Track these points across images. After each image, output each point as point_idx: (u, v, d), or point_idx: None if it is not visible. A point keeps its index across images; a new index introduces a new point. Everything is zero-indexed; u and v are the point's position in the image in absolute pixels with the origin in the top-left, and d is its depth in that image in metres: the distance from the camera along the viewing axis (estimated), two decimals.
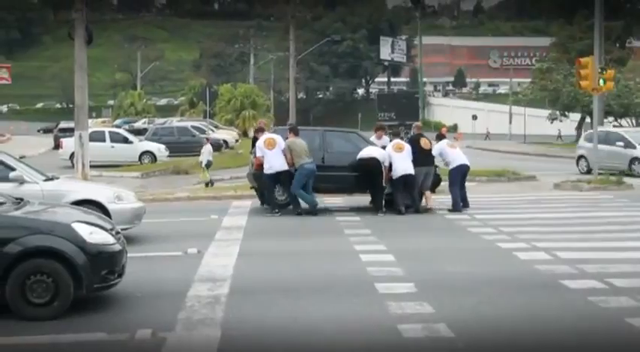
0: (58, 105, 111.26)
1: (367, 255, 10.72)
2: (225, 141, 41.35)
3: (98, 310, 7.84)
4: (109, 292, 8.11)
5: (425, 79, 78.29)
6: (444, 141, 16.93)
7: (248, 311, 7.86)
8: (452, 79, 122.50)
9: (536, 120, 65.53)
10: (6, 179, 11.51)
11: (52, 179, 12.58)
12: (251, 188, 17.67)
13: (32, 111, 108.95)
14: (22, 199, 8.46)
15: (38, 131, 71.15)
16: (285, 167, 15.45)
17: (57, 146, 37.82)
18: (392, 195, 15.90)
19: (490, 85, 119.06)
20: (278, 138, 15.76)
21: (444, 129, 22.32)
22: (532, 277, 9.42)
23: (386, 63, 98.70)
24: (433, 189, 16.86)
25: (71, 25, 24.21)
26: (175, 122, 48.95)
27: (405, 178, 15.73)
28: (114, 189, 12.86)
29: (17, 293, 7.38)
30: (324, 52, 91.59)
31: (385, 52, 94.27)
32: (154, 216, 14.25)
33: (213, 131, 43.37)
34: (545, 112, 58.79)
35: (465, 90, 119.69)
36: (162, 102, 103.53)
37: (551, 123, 57.57)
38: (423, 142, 16.36)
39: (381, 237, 12.31)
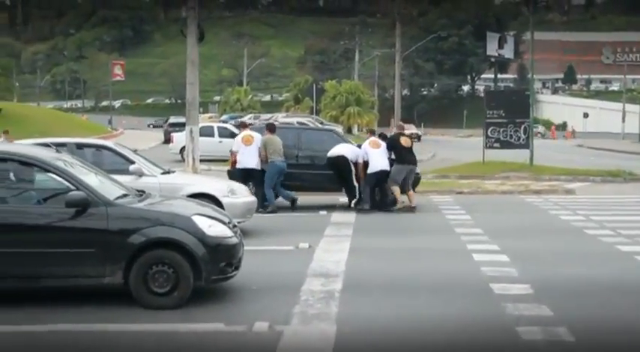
0: (168, 101, 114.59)
1: (480, 255, 10.53)
2: None
3: (216, 301, 7.99)
4: (225, 284, 8.25)
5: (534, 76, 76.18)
6: (367, 141, 16.55)
7: (362, 307, 7.85)
8: (561, 75, 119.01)
9: None
10: (126, 172, 11.88)
11: (168, 172, 12.93)
12: None
13: (143, 107, 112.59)
14: (143, 192, 8.72)
15: (148, 126, 73.54)
16: (257, 166, 15.36)
17: (167, 140, 38.87)
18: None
19: (602, 81, 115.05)
20: (257, 135, 15.78)
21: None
22: None
23: (492, 59, 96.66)
24: (413, 187, 16.66)
25: (183, 22, 24.86)
26: (281, 118, 49.49)
27: (380, 174, 15.70)
28: (228, 182, 13.11)
29: (140, 282, 7.61)
30: (429, 49, 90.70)
31: (492, 48, 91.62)
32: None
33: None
34: None
35: (575, 87, 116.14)
36: (267, 98, 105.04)
37: None
38: (404, 140, 16.32)
39: (494, 237, 12.07)
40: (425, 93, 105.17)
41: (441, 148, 48.89)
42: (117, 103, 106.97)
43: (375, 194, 16.13)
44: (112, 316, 7.39)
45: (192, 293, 7.74)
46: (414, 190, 16.54)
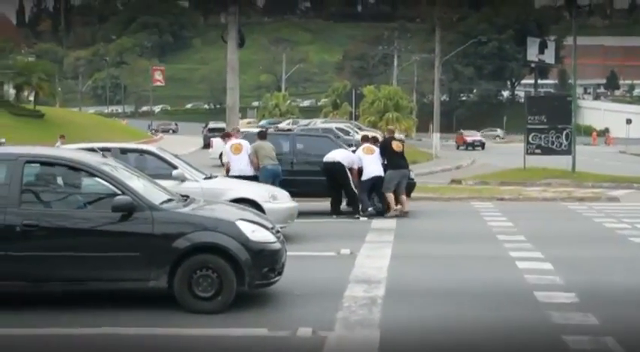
0: (206, 106, 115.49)
1: (524, 262, 10.41)
2: None
3: (259, 306, 8.01)
4: (268, 289, 8.27)
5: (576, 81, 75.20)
6: (361, 147, 16.42)
7: (405, 313, 7.81)
8: (604, 81, 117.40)
9: None
10: (168, 176, 11.97)
11: (210, 177, 13.02)
12: None
13: (182, 112, 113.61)
14: (187, 196, 8.79)
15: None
16: (250, 172, 15.16)
17: (206, 145, 39.06)
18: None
19: None
20: (245, 143, 15.70)
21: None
22: None
23: (533, 64, 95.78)
24: (408, 193, 16.52)
25: (224, 28, 25.03)
26: (319, 123, 49.57)
27: (374, 180, 15.65)
28: (269, 188, 13.14)
29: (184, 287, 7.66)
30: (469, 54, 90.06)
31: (532, 53, 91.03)
32: (304, 215, 14.47)
33: (357, 132, 43.53)
34: None
35: (617, 92, 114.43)
36: (306, 103, 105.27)
37: None
38: (395, 145, 16.28)
39: (537, 244, 11.93)
40: (464, 98, 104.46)
41: (481, 154, 48.57)
42: (157, 108, 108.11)
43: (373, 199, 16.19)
44: (156, 320, 7.45)
45: (235, 298, 7.77)
46: (408, 196, 16.56)
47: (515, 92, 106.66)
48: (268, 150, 15.50)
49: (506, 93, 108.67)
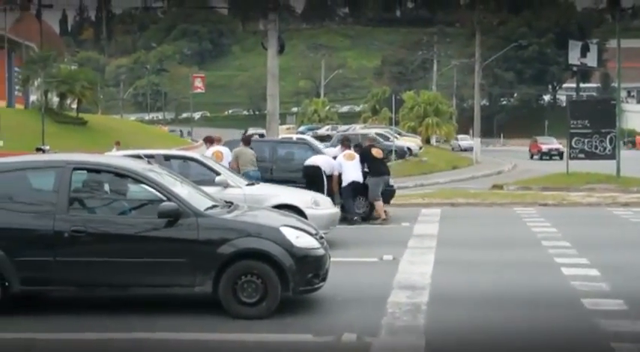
0: (246, 113, 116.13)
1: (569, 269, 10.28)
2: (409, 149, 41.37)
3: (303, 312, 8.03)
4: (312, 295, 8.28)
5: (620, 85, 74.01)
6: (342, 154, 16.36)
7: (450, 320, 7.77)
8: None
9: None
10: (211, 183, 12.06)
11: (253, 183, 13.09)
12: None
13: (221, 118, 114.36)
14: (231, 203, 8.85)
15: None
16: None
17: None
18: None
19: None
20: (225, 150, 15.80)
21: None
22: None
23: (575, 68, 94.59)
24: (387, 200, 16.52)
25: (264, 35, 25.17)
26: (359, 129, 49.58)
27: (354, 185, 15.69)
28: (311, 194, 13.17)
29: (229, 292, 7.72)
30: (509, 58, 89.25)
31: (574, 57, 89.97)
32: (344, 220, 14.49)
33: (397, 138, 43.51)
34: None
35: None
36: (344, 109, 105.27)
37: None
38: (375, 151, 16.46)
39: (582, 250, 11.76)
40: (504, 103, 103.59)
41: (522, 159, 48.08)
42: (197, 115, 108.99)
43: (363, 206, 16.31)
44: (202, 326, 7.51)
45: (279, 303, 7.79)
46: (388, 203, 16.66)
47: (557, 96, 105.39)
48: (250, 156, 15.72)
49: (547, 98, 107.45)
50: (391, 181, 17.12)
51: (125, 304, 8.20)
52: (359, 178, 15.99)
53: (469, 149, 58.58)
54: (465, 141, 64.60)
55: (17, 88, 59.92)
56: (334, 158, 16.43)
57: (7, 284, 7.74)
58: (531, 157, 52.48)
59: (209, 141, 16.87)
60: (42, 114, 43.57)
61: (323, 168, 15.84)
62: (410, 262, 10.92)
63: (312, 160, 16.21)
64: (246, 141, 16.50)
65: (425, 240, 13.13)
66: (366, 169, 16.25)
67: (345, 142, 16.97)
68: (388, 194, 16.72)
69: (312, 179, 15.80)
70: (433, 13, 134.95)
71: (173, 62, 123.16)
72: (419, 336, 7.09)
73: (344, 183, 15.94)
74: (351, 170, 15.98)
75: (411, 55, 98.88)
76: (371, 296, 8.70)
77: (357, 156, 16.28)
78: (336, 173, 15.92)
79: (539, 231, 14.35)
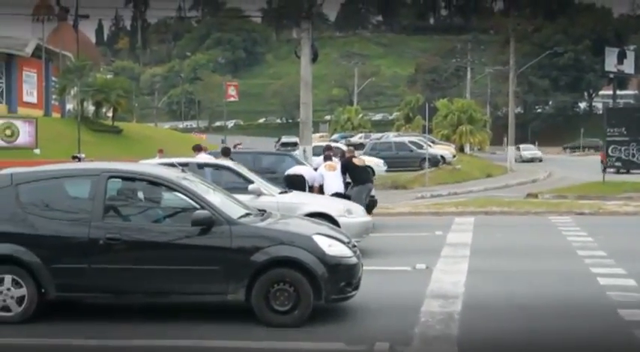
0: (279, 121, 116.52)
1: (605, 279, 10.13)
2: (442, 157, 41.14)
3: (335, 321, 8.01)
4: (344, 303, 8.26)
5: None
6: (323, 165, 16.12)
7: (483, 329, 7.71)
8: None
9: None
10: (244, 191, 12.11)
11: (286, 192, 13.12)
12: None
13: (254, 127, 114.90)
14: (264, 211, 8.87)
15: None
16: None
17: None
18: None
19: None
20: (211, 159, 15.64)
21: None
22: None
23: (611, 75, 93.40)
24: (369, 210, 16.03)
25: (297, 43, 25.24)
26: (392, 137, 49.44)
27: (335, 196, 15.31)
28: (344, 202, 13.16)
29: (261, 300, 7.73)
30: (544, 65, 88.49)
31: (610, 64, 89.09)
32: (377, 229, 14.44)
33: (430, 146, 43.31)
34: None
35: None
36: (378, 117, 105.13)
37: None
38: (356, 160, 16.62)
39: (619, 260, 11.56)
40: (539, 110, 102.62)
41: (557, 167, 47.55)
42: (230, 123, 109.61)
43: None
44: (234, 333, 7.54)
45: (312, 312, 7.79)
46: (370, 213, 16.11)
47: (593, 103, 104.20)
48: None
49: (583, 105, 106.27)
50: (373, 191, 17.04)
51: (158, 311, 8.26)
52: (340, 189, 15.78)
53: (535, 160, 56.40)
54: (528, 150, 60.83)
55: (54, 97, 60.92)
56: (315, 169, 16.39)
57: (43, 290, 7.86)
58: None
59: (197, 149, 17.03)
60: (78, 122, 44.19)
61: (306, 178, 15.80)
62: (443, 271, 10.85)
63: (295, 170, 16.25)
64: (226, 152, 16.53)
65: (458, 249, 13.04)
66: (348, 180, 16.15)
67: (327, 153, 16.85)
68: (370, 205, 16.43)
69: (295, 188, 15.65)
70: (467, 20, 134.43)
71: (207, 71, 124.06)
72: (452, 346, 7.05)
73: (326, 194, 15.75)
74: (333, 181, 15.79)
75: (444, 62, 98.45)
76: (403, 305, 8.66)
77: (339, 167, 16.12)
78: (316, 184, 15.76)
79: (575, 240, 14.17)
